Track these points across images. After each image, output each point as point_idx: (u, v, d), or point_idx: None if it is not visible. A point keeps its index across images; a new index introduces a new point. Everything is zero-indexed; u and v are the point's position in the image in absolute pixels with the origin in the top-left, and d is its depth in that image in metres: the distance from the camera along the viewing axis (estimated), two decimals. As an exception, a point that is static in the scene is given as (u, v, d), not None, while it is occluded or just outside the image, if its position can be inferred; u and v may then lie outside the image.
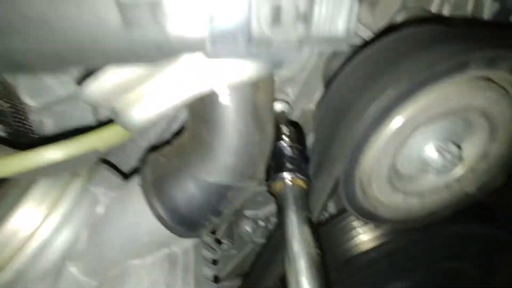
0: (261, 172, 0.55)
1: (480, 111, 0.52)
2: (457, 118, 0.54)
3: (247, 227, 1.03)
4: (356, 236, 0.77)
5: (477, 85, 0.49)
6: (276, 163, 0.64)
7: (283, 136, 0.69)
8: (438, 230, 0.74)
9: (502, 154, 0.61)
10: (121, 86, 0.44)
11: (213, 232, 0.97)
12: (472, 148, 0.58)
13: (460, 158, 0.53)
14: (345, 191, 0.55)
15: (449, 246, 0.80)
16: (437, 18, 0.74)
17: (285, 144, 0.68)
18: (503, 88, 0.52)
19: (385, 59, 0.51)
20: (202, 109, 0.49)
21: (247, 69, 0.45)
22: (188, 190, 0.50)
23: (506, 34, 0.50)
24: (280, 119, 0.75)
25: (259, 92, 0.48)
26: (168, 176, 0.51)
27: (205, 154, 0.50)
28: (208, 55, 0.41)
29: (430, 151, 0.55)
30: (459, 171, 0.59)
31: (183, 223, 0.52)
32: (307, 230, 0.49)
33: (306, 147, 0.71)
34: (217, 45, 0.39)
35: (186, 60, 0.42)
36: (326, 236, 0.77)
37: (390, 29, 0.60)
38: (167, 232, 0.52)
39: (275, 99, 0.52)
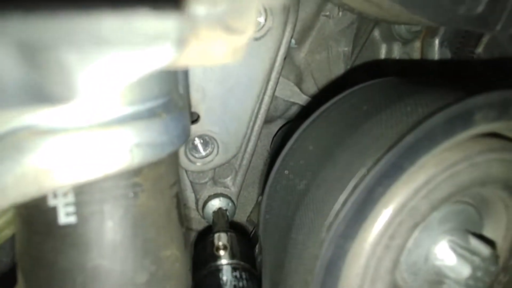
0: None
1: (500, 184, 0.34)
2: (469, 197, 0.35)
3: None
4: None
5: (489, 146, 0.31)
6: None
7: (220, 251, 0.46)
8: None
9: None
10: None
11: None
12: (498, 238, 0.38)
13: (495, 260, 0.32)
14: None
15: None
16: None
17: (223, 265, 0.44)
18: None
19: (344, 122, 0.33)
20: (34, 236, 0.26)
21: (112, 156, 0.24)
22: None
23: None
24: (217, 223, 0.53)
25: (142, 193, 0.27)
26: None
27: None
28: None
29: (444, 255, 0.34)
30: (493, 277, 0.37)
31: None
32: None
33: (257, 265, 0.48)
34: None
35: None
36: None
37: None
38: None
39: (180, 197, 0.31)
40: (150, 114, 0.26)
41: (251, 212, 0.68)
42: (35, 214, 0.26)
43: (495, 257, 0.33)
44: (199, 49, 0.19)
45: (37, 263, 0.27)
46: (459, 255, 0.33)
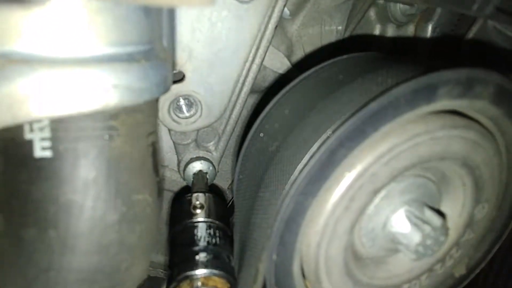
0: (134, 277, 0.33)
1: (460, 161, 0.36)
2: (430, 172, 0.37)
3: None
4: None
5: (451, 123, 0.32)
6: (182, 253, 0.42)
7: (197, 210, 0.48)
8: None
9: (491, 218, 0.45)
10: None
11: None
12: (454, 214, 0.40)
13: (445, 231, 0.35)
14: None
15: None
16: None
17: (198, 222, 0.46)
18: (484, 127, 0.37)
19: (320, 90, 0.34)
20: (9, 167, 0.28)
21: (88, 94, 0.25)
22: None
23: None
24: (196, 184, 0.55)
25: (118, 137, 0.28)
26: None
27: (14, 256, 0.27)
28: None
29: (400, 223, 0.36)
30: (442, 247, 0.40)
31: None
32: None
33: (230, 225, 0.50)
34: None
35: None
36: None
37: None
38: None
39: (156, 146, 0.33)
40: (129, 58, 0.27)
41: (233, 180, 0.70)
42: (11, 146, 0.28)
43: (445, 228, 0.35)
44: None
45: (12, 193, 0.28)
46: (413, 224, 0.35)
